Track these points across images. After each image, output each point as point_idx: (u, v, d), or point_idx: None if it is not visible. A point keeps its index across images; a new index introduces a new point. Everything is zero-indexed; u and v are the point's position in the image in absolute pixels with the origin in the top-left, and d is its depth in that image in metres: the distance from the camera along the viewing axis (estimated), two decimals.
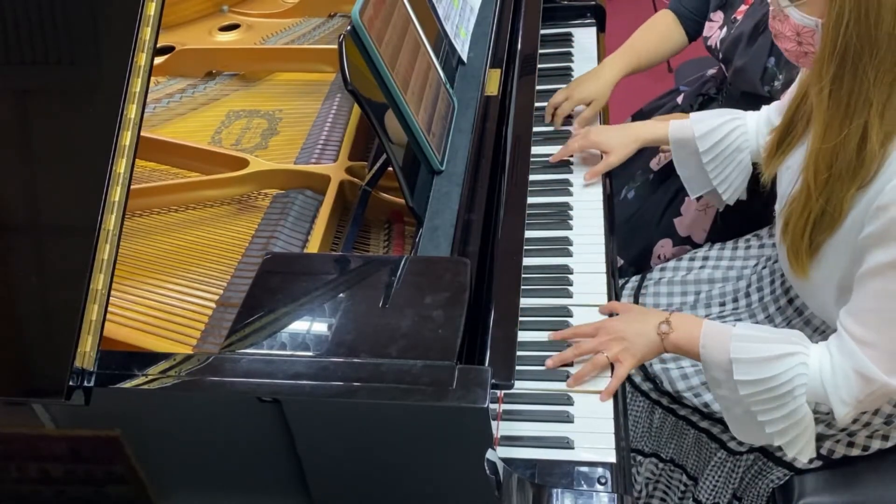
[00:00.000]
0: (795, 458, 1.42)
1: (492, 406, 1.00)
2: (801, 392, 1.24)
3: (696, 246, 1.90)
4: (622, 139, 1.71)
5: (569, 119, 1.89)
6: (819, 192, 1.23)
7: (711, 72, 2.10)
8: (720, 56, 1.90)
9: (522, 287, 1.30)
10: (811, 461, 1.49)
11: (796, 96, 1.39)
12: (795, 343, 1.26)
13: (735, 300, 1.61)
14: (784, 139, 1.41)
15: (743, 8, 1.84)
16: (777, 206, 1.43)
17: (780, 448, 1.51)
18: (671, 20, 2.03)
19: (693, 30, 2.03)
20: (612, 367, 1.36)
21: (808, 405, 1.26)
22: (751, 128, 1.63)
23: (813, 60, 1.21)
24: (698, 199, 1.81)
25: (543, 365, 1.37)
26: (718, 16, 1.91)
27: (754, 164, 1.64)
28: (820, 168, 1.22)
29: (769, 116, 1.60)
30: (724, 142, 1.62)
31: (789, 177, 1.38)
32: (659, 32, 2.04)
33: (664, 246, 1.95)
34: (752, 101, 1.78)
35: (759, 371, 1.24)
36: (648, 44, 2.02)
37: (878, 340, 1.20)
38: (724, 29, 1.88)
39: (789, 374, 1.24)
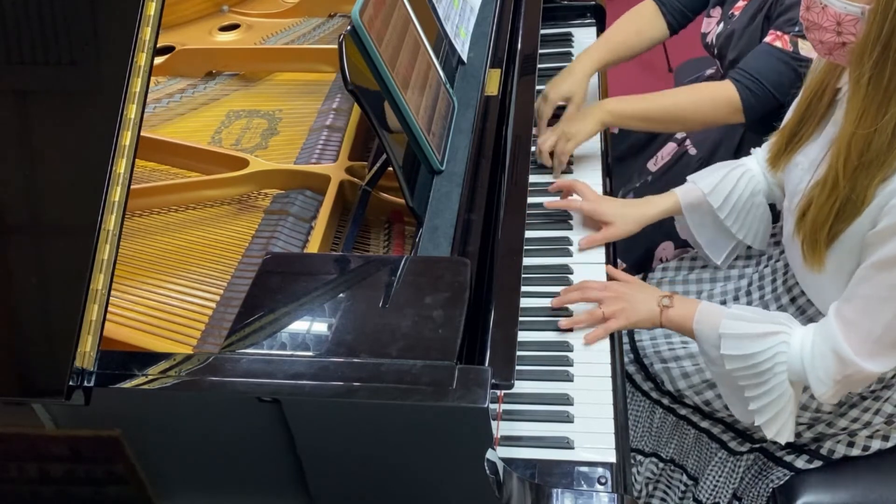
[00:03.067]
0: (777, 443, 1.46)
1: (492, 406, 1.00)
2: (781, 370, 1.30)
3: None
4: (628, 217, 1.61)
5: (554, 120, 1.82)
6: (847, 178, 1.23)
7: (709, 72, 2.10)
8: (715, 51, 1.89)
9: (522, 287, 1.30)
10: (811, 461, 1.50)
11: (808, 93, 1.39)
12: (781, 324, 1.32)
13: (736, 298, 1.61)
14: (793, 136, 1.41)
15: (741, 4, 1.83)
16: (786, 204, 1.43)
17: (780, 448, 1.52)
18: (652, 11, 1.98)
19: (677, 22, 1.98)
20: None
21: (792, 385, 1.32)
22: (755, 169, 1.59)
23: (852, 49, 1.20)
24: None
25: (543, 364, 1.38)
26: (717, 11, 1.91)
27: (772, 206, 1.61)
28: (851, 154, 1.22)
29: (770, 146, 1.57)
30: (735, 192, 1.56)
31: (798, 174, 1.39)
32: (636, 24, 1.98)
33: (666, 248, 1.95)
34: None
35: (743, 347, 1.31)
36: (623, 35, 1.95)
37: (862, 325, 1.24)
38: (722, 24, 1.87)
39: (771, 351, 1.30)
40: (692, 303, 1.42)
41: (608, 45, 1.93)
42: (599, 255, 1.59)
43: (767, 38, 1.69)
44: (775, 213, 1.63)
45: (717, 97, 1.70)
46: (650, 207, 1.63)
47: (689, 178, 1.62)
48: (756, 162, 1.60)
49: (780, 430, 1.34)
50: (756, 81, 1.66)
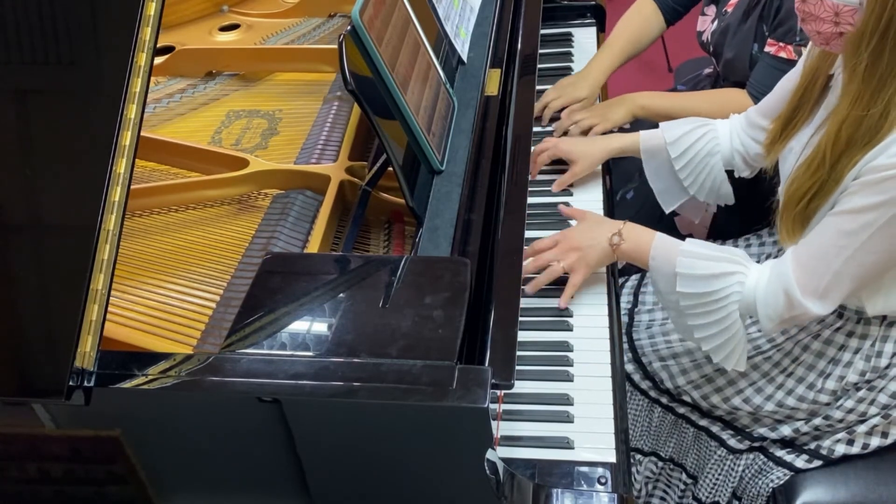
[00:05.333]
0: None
1: (492, 406, 1.00)
2: (734, 308, 1.36)
3: None
4: (591, 150, 1.71)
5: (559, 115, 1.90)
6: (834, 158, 1.27)
7: (707, 71, 2.11)
8: (711, 49, 1.92)
9: (522, 287, 1.30)
10: (810, 460, 1.50)
11: (803, 81, 1.42)
12: (736, 262, 1.37)
13: None
14: (789, 122, 1.45)
15: (733, 1, 1.85)
16: (781, 189, 1.44)
17: (780, 447, 1.53)
18: (650, 8, 2.05)
19: (672, 16, 2.04)
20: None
21: (742, 318, 1.38)
22: (721, 133, 1.65)
23: (848, 38, 1.23)
24: (673, 214, 1.87)
25: (543, 364, 1.38)
26: (711, 10, 1.93)
27: (729, 172, 1.67)
28: (841, 136, 1.26)
29: (749, 117, 1.61)
30: (694, 147, 1.64)
31: (792, 159, 1.41)
32: (639, 22, 2.05)
33: None
34: None
35: (699, 286, 1.36)
36: (630, 35, 2.03)
37: (815, 270, 1.30)
38: (716, 22, 1.89)
39: (726, 290, 1.35)
40: (646, 235, 1.45)
41: (617, 49, 2.00)
42: None
43: (770, 49, 1.73)
44: (761, 185, 1.67)
45: (737, 105, 1.77)
46: (611, 142, 1.74)
47: (660, 124, 1.69)
48: (728, 126, 1.66)
49: (729, 356, 1.40)
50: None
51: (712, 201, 1.70)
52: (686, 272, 1.36)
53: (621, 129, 1.94)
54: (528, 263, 1.48)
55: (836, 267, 1.28)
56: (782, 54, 1.70)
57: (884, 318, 1.42)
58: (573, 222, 1.59)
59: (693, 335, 1.40)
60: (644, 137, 1.69)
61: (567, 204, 1.69)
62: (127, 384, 1.01)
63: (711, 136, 1.65)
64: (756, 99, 1.74)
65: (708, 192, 1.68)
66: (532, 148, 1.60)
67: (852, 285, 1.31)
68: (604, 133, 1.83)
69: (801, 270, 1.31)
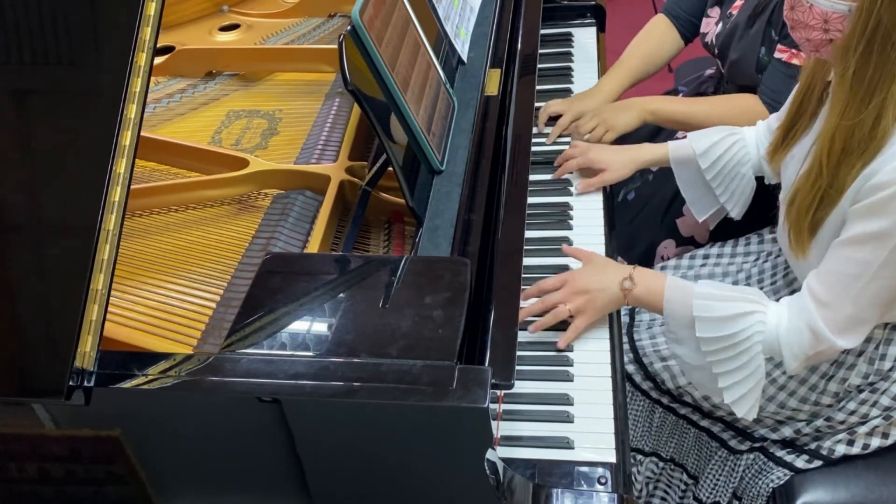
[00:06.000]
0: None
1: (492, 406, 1.00)
2: (757, 349, 1.32)
3: (699, 246, 1.91)
4: (621, 160, 1.70)
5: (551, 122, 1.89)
6: (831, 168, 1.26)
7: (709, 71, 2.11)
8: (716, 51, 1.91)
9: (522, 287, 1.30)
10: (810, 461, 1.50)
11: (800, 89, 1.42)
12: (754, 301, 1.34)
13: None
14: (790, 130, 1.45)
15: (738, 3, 1.84)
16: (782, 196, 1.45)
17: (780, 447, 1.53)
18: (665, 26, 2.04)
19: (689, 31, 2.03)
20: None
21: (765, 361, 1.34)
22: (750, 141, 1.64)
23: (837, 44, 1.23)
24: (675, 216, 1.87)
25: (543, 364, 1.38)
26: (715, 11, 1.92)
27: (758, 178, 1.66)
28: (835, 144, 1.25)
29: (769, 125, 1.61)
30: (725, 156, 1.62)
31: (794, 166, 1.41)
32: (653, 41, 2.04)
33: (667, 247, 1.95)
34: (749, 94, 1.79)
35: (719, 329, 1.32)
36: (643, 54, 2.02)
37: (835, 302, 1.27)
38: (721, 24, 1.89)
39: (748, 331, 1.31)
40: (657, 279, 1.41)
41: (631, 66, 1.99)
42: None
43: (782, 56, 1.72)
44: (762, 187, 1.67)
45: (749, 111, 1.76)
46: (641, 153, 1.72)
47: (688, 135, 1.68)
48: (754, 133, 1.65)
49: (751, 408, 1.36)
50: (780, 103, 1.69)
51: (740, 208, 1.67)
52: (704, 315, 1.32)
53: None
54: (533, 304, 1.43)
55: (855, 294, 1.25)
56: (795, 61, 1.69)
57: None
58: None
59: (717, 384, 1.35)
60: (673, 148, 1.68)
61: (568, 205, 1.69)
62: (127, 384, 1.01)
63: (741, 146, 1.63)
64: (769, 105, 1.74)
65: (738, 200, 1.67)
66: (532, 148, 1.60)
67: (875, 312, 1.29)
68: (615, 139, 1.82)
69: (821, 306, 1.28)
